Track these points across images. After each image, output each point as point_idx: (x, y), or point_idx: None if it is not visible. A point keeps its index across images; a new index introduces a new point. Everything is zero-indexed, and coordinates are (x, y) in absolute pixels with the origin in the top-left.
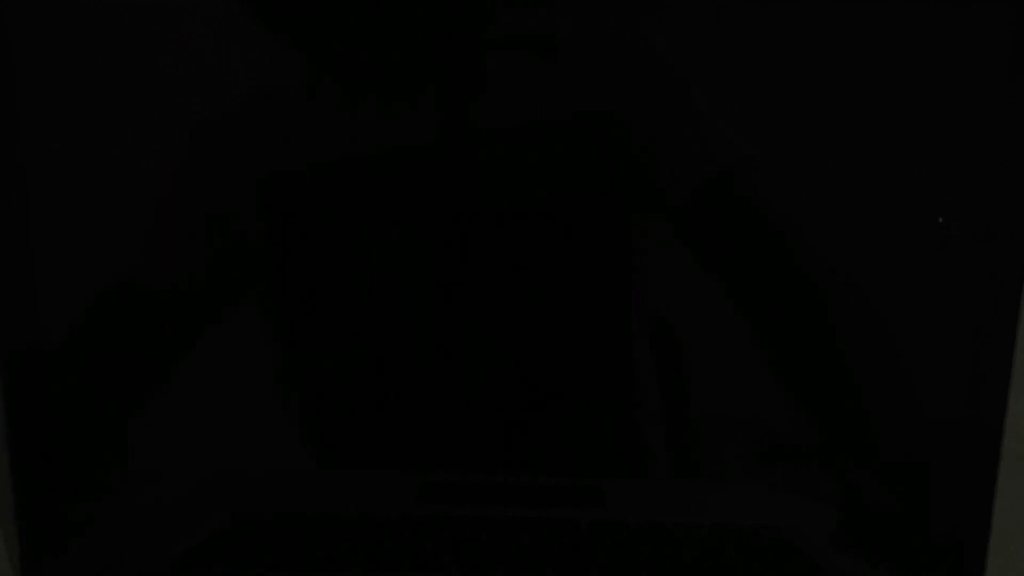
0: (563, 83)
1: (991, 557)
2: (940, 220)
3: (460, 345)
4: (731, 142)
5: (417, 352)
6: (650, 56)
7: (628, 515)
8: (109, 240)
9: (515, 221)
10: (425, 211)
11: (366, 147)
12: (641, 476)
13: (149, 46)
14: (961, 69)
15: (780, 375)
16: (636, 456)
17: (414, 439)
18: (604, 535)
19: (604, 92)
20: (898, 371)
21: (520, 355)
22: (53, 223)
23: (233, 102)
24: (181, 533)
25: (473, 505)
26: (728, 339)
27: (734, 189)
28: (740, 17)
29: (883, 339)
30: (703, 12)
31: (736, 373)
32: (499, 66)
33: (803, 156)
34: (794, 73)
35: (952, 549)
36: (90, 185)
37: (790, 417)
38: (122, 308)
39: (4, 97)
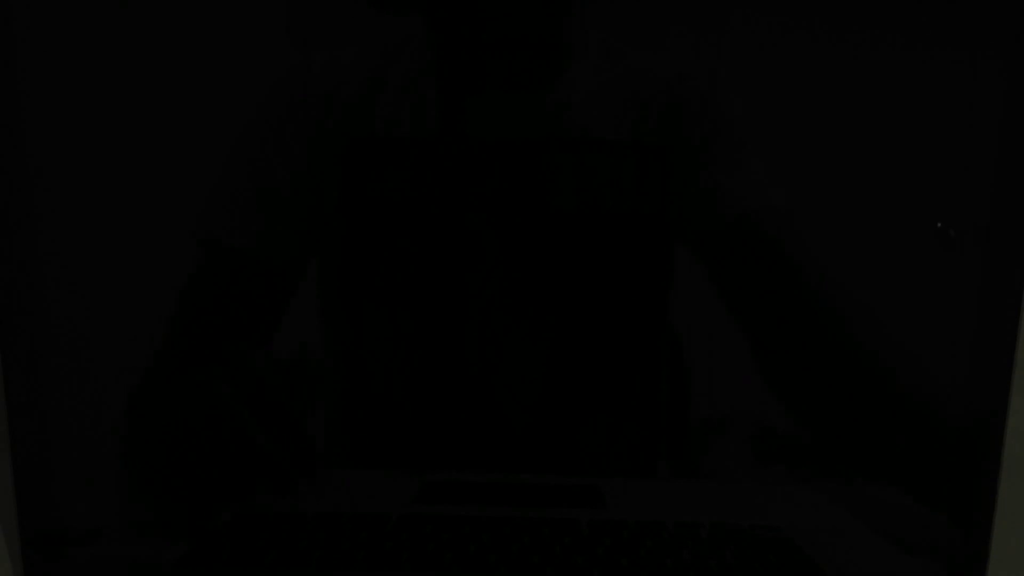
0: (621, 106)
1: (992, 557)
2: (939, 225)
3: (462, 345)
4: (758, 186)
5: (419, 352)
6: (702, 94)
7: (628, 515)
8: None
9: (537, 227)
10: (456, 208)
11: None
12: (641, 476)
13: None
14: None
15: (781, 377)
16: (636, 456)
17: (415, 438)
18: (604, 535)
19: (655, 120)
20: (899, 373)
21: (521, 356)
22: (56, 217)
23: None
24: (181, 533)
25: (473, 505)
26: (728, 339)
27: (754, 233)
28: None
29: (885, 343)
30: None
31: (736, 373)
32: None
33: (804, 162)
34: (804, 90)
35: (953, 549)
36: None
37: (790, 417)
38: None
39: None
